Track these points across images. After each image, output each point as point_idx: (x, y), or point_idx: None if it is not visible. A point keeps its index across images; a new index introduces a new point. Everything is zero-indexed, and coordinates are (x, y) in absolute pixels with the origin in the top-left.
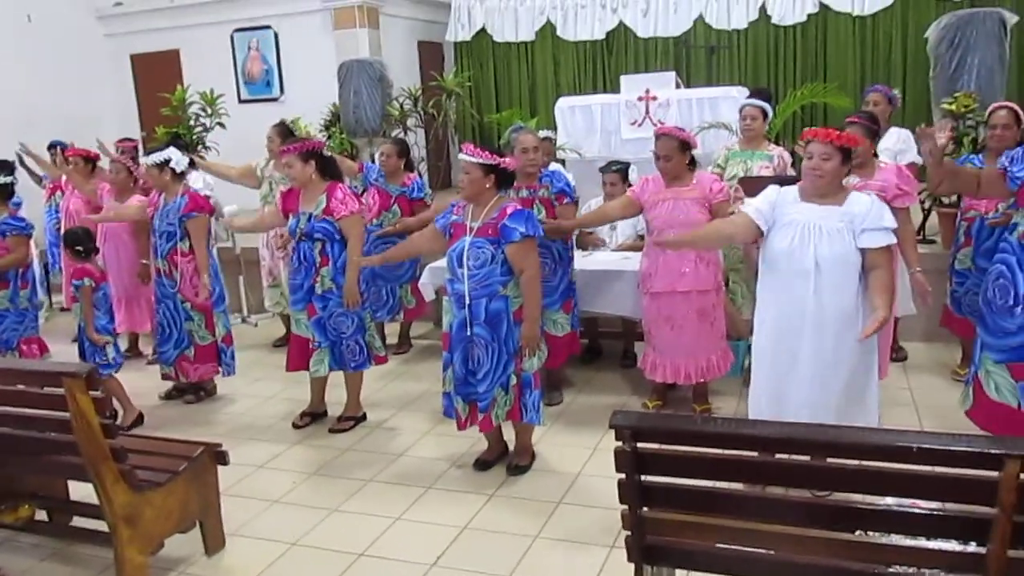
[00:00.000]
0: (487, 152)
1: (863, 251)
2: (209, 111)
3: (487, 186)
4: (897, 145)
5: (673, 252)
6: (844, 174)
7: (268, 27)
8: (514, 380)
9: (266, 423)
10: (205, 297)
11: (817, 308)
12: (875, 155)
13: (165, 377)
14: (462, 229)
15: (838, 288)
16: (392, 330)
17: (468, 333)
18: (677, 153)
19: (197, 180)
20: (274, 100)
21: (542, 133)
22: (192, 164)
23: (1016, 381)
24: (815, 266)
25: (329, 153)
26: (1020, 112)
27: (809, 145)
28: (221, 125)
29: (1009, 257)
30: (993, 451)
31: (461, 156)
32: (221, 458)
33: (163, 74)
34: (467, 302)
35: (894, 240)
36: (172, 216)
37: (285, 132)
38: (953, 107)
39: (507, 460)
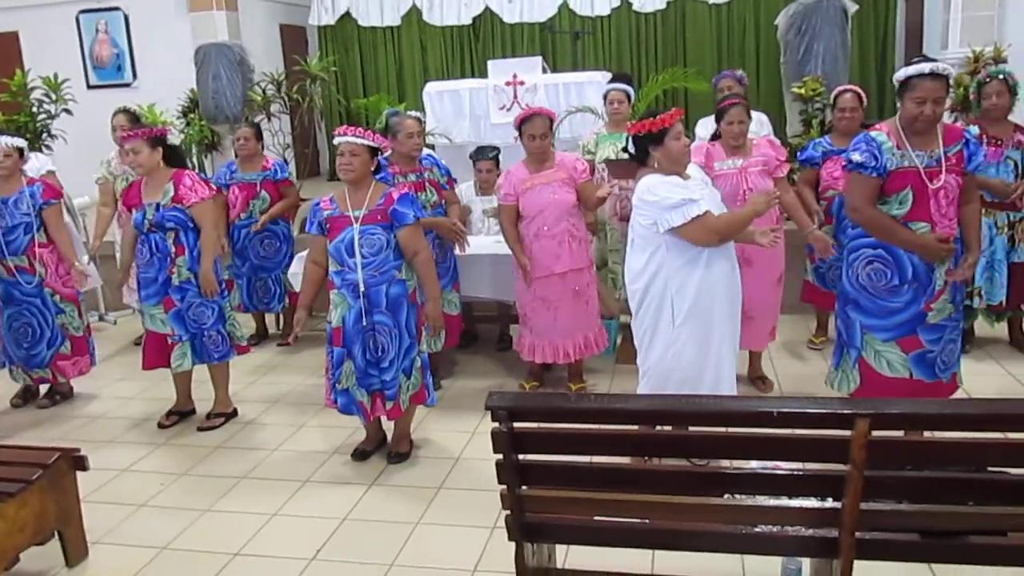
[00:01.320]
0: (372, 134)
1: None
2: (53, 97)
3: (371, 169)
4: (757, 127)
5: (547, 236)
6: None
7: (117, 8)
8: (418, 362)
9: (129, 424)
10: (82, 285)
11: (731, 251)
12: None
13: (40, 381)
14: (343, 220)
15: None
16: (267, 321)
17: (366, 323)
18: (549, 132)
19: (45, 163)
20: (126, 86)
21: (412, 114)
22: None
23: (907, 353)
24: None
25: (174, 141)
26: (863, 94)
27: (678, 125)
28: (68, 112)
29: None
30: (845, 411)
31: (346, 139)
32: (80, 463)
33: (0, 59)
34: (363, 291)
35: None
36: (24, 207)
37: (134, 119)
38: (802, 91)
39: (386, 449)
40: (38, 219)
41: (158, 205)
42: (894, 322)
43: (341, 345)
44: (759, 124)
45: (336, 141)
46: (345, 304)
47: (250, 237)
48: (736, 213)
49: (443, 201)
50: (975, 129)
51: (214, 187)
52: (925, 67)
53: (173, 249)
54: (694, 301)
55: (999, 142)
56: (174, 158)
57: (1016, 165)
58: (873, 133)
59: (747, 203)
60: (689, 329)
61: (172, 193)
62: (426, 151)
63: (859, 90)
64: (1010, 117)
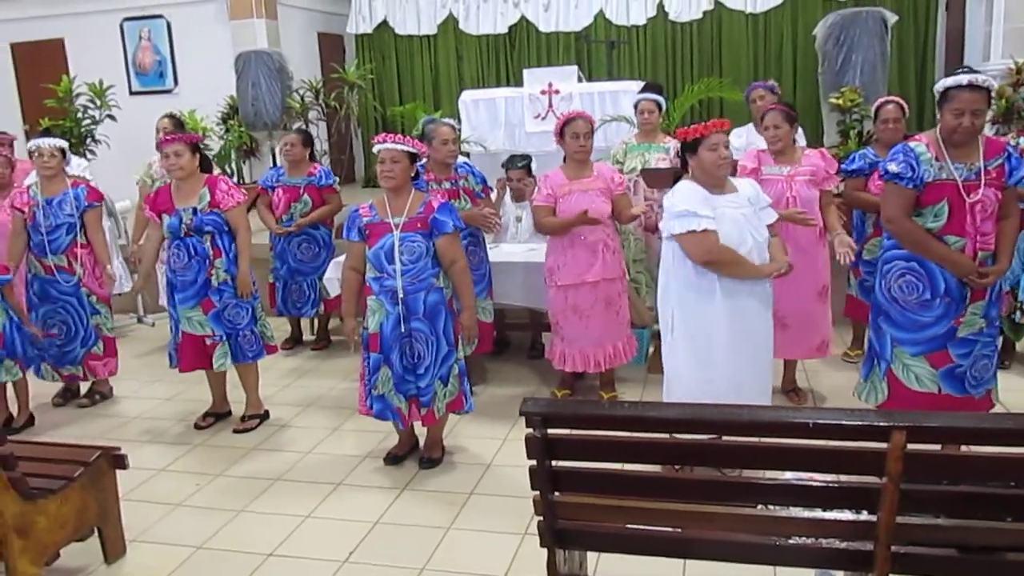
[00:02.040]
0: (412, 140)
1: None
2: (98, 103)
3: (411, 176)
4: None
5: (582, 245)
6: None
7: (160, 16)
8: (455, 370)
9: (166, 425)
10: (110, 288)
11: (765, 290)
12: (794, 142)
13: (70, 378)
14: (383, 227)
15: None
16: (302, 325)
17: (404, 329)
18: (591, 134)
19: (83, 168)
20: (167, 92)
21: (447, 121)
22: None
23: (936, 368)
24: (758, 252)
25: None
26: (905, 106)
27: (712, 137)
28: (111, 117)
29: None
30: (881, 424)
31: (386, 146)
32: (119, 462)
33: (47, 64)
34: (401, 298)
35: (776, 215)
36: (68, 208)
37: (178, 124)
38: (840, 101)
39: (418, 454)
40: (80, 220)
41: (195, 209)
42: (924, 336)
43: (378, 351)
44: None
45: (376, 149)
46: (383, 310)
47: (289, 240)
48: (739, 258)
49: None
50: None
51: (245, 192)
52: (964, 79)
53: (211, 251)
54: (693, 320)
55: None
56: (204, 165)
57: None
58: (912, 144)
59: (762, 263)
60: (684, 344)
61: (209, 198)
62: (461, 159)
63: (901, 101)
64: None
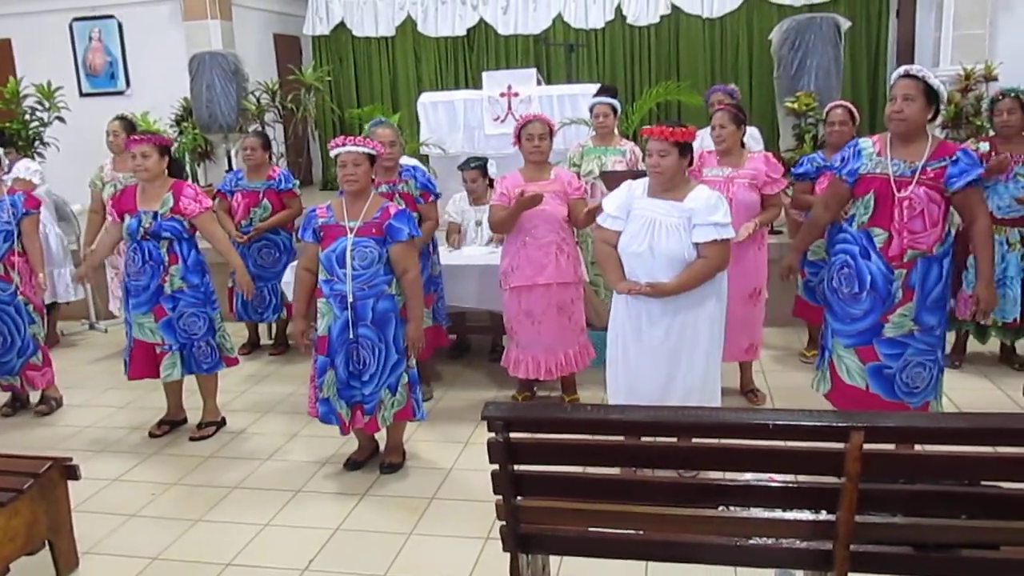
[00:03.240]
0: (370, 141)
1: (696, 245)
2: (46, 104)
3: (372, 178)
4: (748, 142)
5: (534, 246)
6: (684, 167)
7: (111, 16)
8: (405, 379)
9: (120, 434)
10: (43, 296)
11: (651, 299)
12: (742, 145)
13: (9, 389)
14: (337, 230)
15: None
16: (259, 330)
17: (351, 335)
18: (549, 137)
19: (32, 173)
20: (119, 94)
21: (385, 122)
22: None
23: (864, 363)
24: (651, 258)
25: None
26: (854, 110)
27: (648, 143)
28: (60, 119)
29: (852, 247)
30: (839, 424)
31: (345, 148)
32: (71, 473)
33: None
34: (350, 303)
35: (725, 234)
36: (5, 215)
37: (129, 126)
38: (795, 105)
39: (378, 459)
40: (16, 228)
41: (156, 214)
42: (855, 329)
43: (325, 354)
44: (751, 139)
45: (334, 153)
46: (331, 314)
47: (248, 245)
48: (609, 264)
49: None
50: (985, 146)
51: (211, 199)
52: (901, 69)
53: (167, 258)
54: (612, 318)
55: (1012, 159)
56: (174, 169)
57: None
58: (861, 140)
59: (619, 278)
60: (610, 333)
61: (172, 203)
62: (411, 163)
63: (850, 105)
64: None
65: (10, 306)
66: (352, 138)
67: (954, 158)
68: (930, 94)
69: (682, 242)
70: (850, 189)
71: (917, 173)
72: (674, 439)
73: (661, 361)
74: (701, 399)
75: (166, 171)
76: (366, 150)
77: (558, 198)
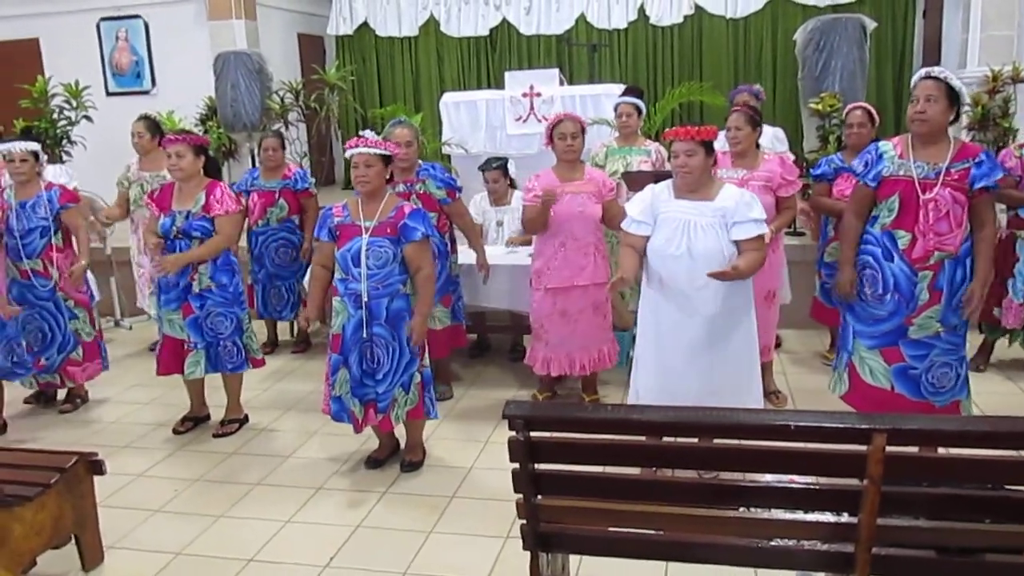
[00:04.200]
0: (384, 142)
1: (737, 242)
2: (74, 104)
3: (386, 179)
4: (772, 143)
5: (573, 247)
6: (711, 166)
7: (137, 16)
8: (417, 378)
9: (144, 430)
10: (79, 281)
11: (692, 299)
12: (757, 146)
13: (46, 386)
14: (353, 230)
15: (711, 280)
16: (283, 328)
17: (365, 334)
18: (581, 135)
19: (61, 175)
20: (145, 93)
21: (405, 122)
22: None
23: (889, 364)
24: (690, 259)
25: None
26: (873, 112)
27: (673, 145)
28: (88, 119)
29: (874, 248)
30: (861, 426)
31: (358, 150)
32: (97, 468)
33: (21, 64)
34: (364, 302)
35: (764, 230)
36: (42, 211)
37: (154, 126)
38: (819, 107)
39: (399, 457)
40: (55, 223)
41: (188, 213)
42: (879, 330)
43: (339, 352)
44: (774, 139)
45: (348, 154)
46: (346, 312)
47: (267, 244)
48: (623, 260)
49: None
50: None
51: (242, 204)
52: (923, 71)
53: None
54: (640, 319)
55: None
56: (211, 169)
57: None
58: (881, 143)
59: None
60: (640, 336)
61: (203, 202)
62: (427, 163)
63: (869, 107)
64: None
65: (49, 302)
66: (365, 139)
67: (978, 160)
68: (952, 95)
69: (719, 240)
70: (873, 193)
71: (942, 175)
72: (695, 440)
73: (699, 360)
74: (741, 400)
75: (202, 171)
76: (378, 151)
77: (593, 199)
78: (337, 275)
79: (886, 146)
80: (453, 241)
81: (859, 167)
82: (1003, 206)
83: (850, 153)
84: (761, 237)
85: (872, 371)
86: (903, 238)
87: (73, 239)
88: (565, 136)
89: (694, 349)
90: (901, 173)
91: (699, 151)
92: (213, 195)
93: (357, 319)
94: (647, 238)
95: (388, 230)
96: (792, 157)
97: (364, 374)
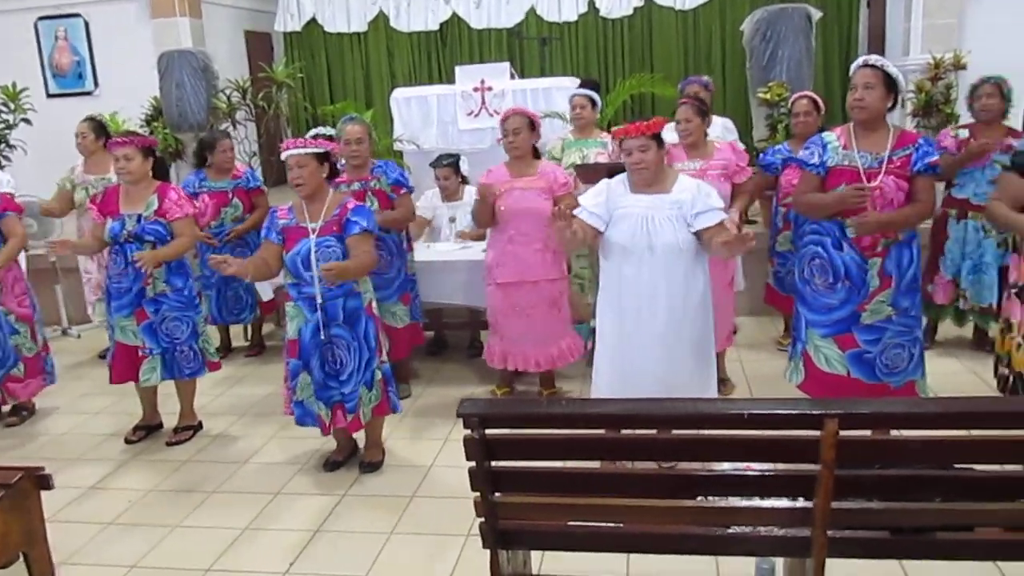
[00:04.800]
0: (314, 140)
1: (698, 233)
2: (12, 106)
3: (323, 176)
4: (722, 133)
5: (522, 243)
6: (663, 157)
7: (77, 15)
8: (379, 375)
9: (95, 441)
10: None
11: (652, 292)
12: (706, 136)
13: None
14: (299, 232)
15: (670, 272)
16: (236, 332)
17: (324, 336)
18: (525, 129)
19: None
20: (88, 94)
21: (356, 119)
22: None
23: (843, 351)
24: (650, 253)
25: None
26: (819, 100)
27: (624, 143)
28: (27, 121)
29: (823, 238)
30: (814, 412)
31: (289, 152)
32: (44, 482)
33: None
34: (320, 304)
35: (726, 216)
36: None
37: (99, 127)
38: (767, 96)
39: (358, 459)
40: None
41: (140, 216)
42: (832, 318)
43: (297, 357)
44: (724, 129)
45: (283, 156)
46: (302, 317)
47: (222, 246)
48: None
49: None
50: (965, 132)
51: (195, 205)
52: (860, 59)
53: None
54: (601, 304)
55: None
56: (159, 171)
57: (1004, 170)
58: (824, 134)
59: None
60: (599, 330)
61: (156, 206)
62: (382, 160)
63: (814, 96)
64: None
65: None
66: (294, 140)
67: (917, 145)
68: (889, 83)
69: (678, 233)
70: (822, 181)
71: (884, 163)
72: (654, 431)
73: (660, 352)
74: (700, 391)
75: (151, 173)
76: (308, 150)
77: (543, 194)
78: (288, 280)
79: (830, 136)
80: (409, 240)
81: (807, 157)
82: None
83: (797, 142)
84: (722, 224)
85: (827, 359)
86: (851, 227)
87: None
88: (507, 132)
89: (654, 342)
90: (846, 163)
91: (652, 145)
92: (168, 198)
93: (315, 322)
94: (595, 230)
95: (334, 228)
96: (742, 146)
97: (328, 376)
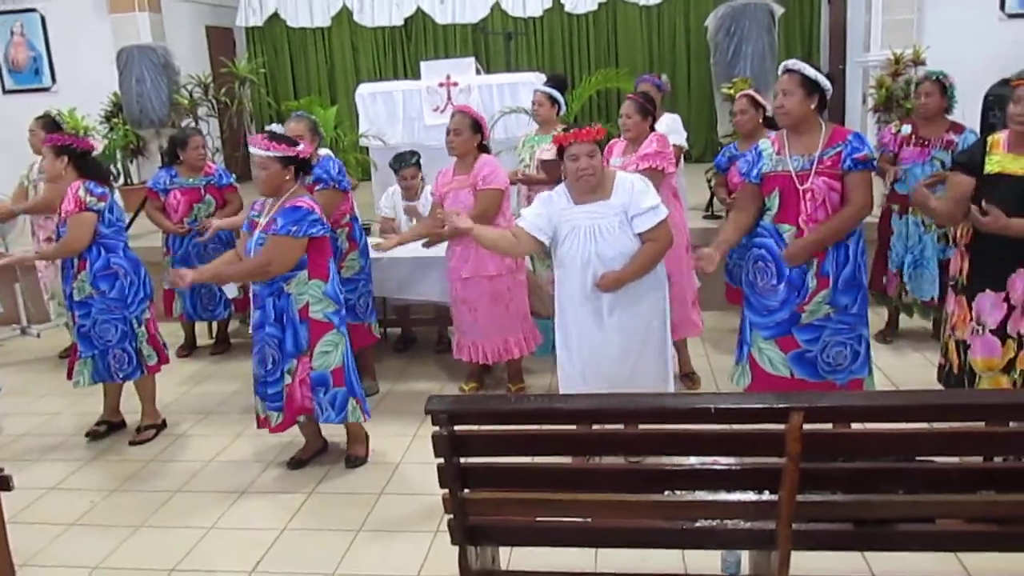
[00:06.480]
0: (282, 143)
1: (640, 234)
2: None
3: (287, 178)
4: (667, 129)
5: (457, 240)
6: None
7: (33, 10)
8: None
9: (55, 441)
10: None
11: (606, 301)
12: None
13: None
14: (254, 225)
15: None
16: (201, 329)
17: (262, 332)
18: (467, 130)
19: None
20: (45, 90)
21: (299, 115)
22: None
23: (785, 353)
24: (600, 263)
25: (93, 154)
26: (758, 97)
27: (572, 148)
28: None
29: (766, 240)
30: (779, 405)
31: (252, 151)
32: (3, 483)
33: None
34: (258, 298)
35: (663, 215)
36: None
37: (50, 124)
38: (732, 91)
39: (323, 457)
40: None
41: (59, 219)
42: (773, 320)
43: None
44: (669, 125)
45: (251, 151)
46: (256, 312)
47: (192, 244)
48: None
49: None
50: (907, 128)
51: (84, 204)
52: (783, 65)
53: (76, 264)
54: (558, 309)
55: (926, 142)
56: (89, 171)
57: (943, 165)
58: (761, 141)
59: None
60: (557, 332)
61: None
62: (327, 157)
63: (753, 94)
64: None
65: None
66: (262, 139)
67: (846, 142)
68: (808, 84)
69: (626, 238)
70: (758, 189)
71: (815, 164)
72: (621, 426)
73: (615, 348)
74: (658, 387)
75: (75, 172)
76: (274, 153)
77: (470, 192)
78: None
79: (765, 144)
80: (362, 234)
81: (743, 166)
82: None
83: (742, 140)
84: (663, 223)
85: (771, 361)
86: (788, 231)
87: None
88: (448, 131)
89: (611, 344)
90: (779, 169)
91: (597, 151)
92: (66, 197)
93: (257, 319)
94: (538, 241)
95: (271, 225)
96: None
97: (267, 373)
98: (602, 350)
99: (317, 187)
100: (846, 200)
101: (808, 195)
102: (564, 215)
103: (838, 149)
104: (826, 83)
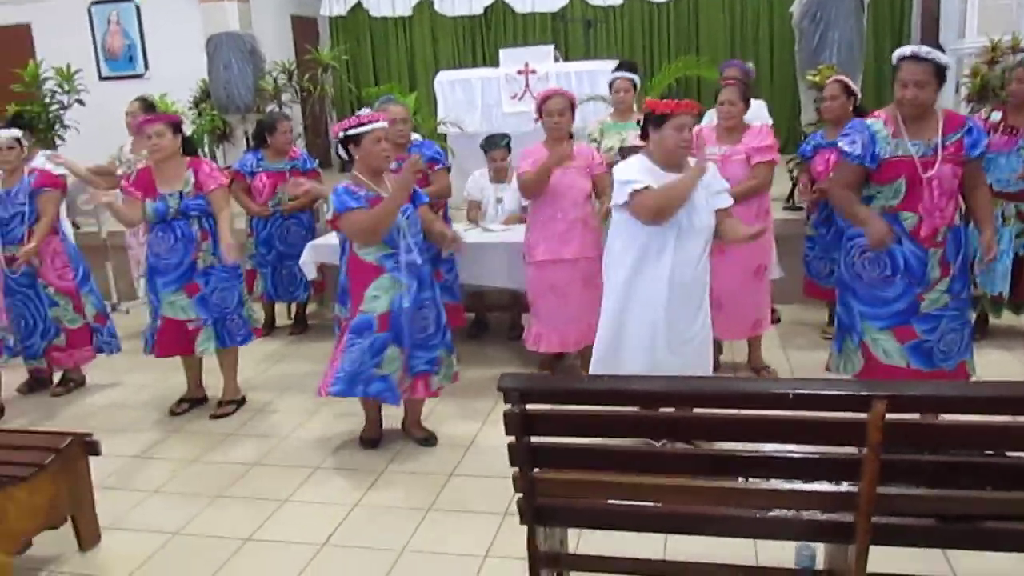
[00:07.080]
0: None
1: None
2: (66, 87)
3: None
4: (754, 114)
5: (561, 221)
6: None
7: (129, 1)
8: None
9: (141, 412)
10: (33, 252)
11: (679, 273)
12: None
13: (36, 372)
14: (377, 201)
15: (691, 253)
16: (280, 310)
17: (414, 303)
18: (569, 111)
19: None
20: (138, 77)
21: (394, 99)
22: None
23: (902, 343)
24: (692, 232)
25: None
26: (850, 83)
27: (679, 118)
28: (80, 102)
29: None
30: (861, 393)
31: (381, 124)
32: (92, 448)
33: (13, 49)
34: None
35: (732, 200)
36: (21, 197)
37: (148, 107)
38: (817, 79)
39: (394, 435)
40: (31, 208)
41: (181, 193)
42: (888, 312)
43: (388, 330)
44: (758, 111)
45: (371, 127)
46: (398, 286)
47: (276, 225)
48: (665, 186)
49: (428, 186)
50: (997, 115)
51: (227, 176)
52: (908, 49)
53: (198, 235)
54: (624, 281)
55: (1015, 130)
56: (188, 147)
57: None
58: (869, 120)
59: (683, 176)
60: (609, 308)
61: (193, 181)
62: (418, 138)
63: (846, 80)
64: None
65: (30, 289)
66: (372, 114)
67: (967, 128)
68: (940, 73)
69: (709, 213)
70: (867, 173)
71: (939, 151)
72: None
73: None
74: (702, 370)
75: (181, 150)
76: (380, 125)
77: (582, 173)
78: (380, 253)
79: (876, 124)
80: (447, 220)
81: (849, 147)
82: None
83: (830, 128)
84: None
85: (886, 352)
86: (908, 219)
87: (60, 224)
88: (552, 113)
89: (670, 320)
90: (900, 153)
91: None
92: (202, 171)
93: (413, 289)
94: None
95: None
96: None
97: (415, 346)
98: (662, 320)
99: (436, 167)
100: (972, 183)
101: (935, 183)
102: (660, 182)
103: (959, 135)
104: (952, 66)
